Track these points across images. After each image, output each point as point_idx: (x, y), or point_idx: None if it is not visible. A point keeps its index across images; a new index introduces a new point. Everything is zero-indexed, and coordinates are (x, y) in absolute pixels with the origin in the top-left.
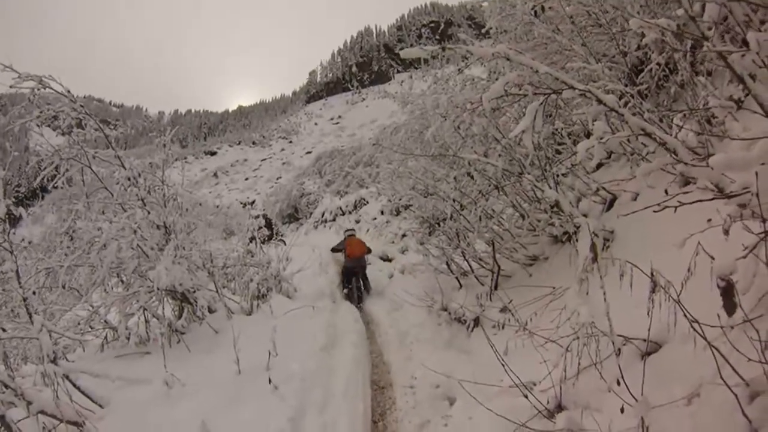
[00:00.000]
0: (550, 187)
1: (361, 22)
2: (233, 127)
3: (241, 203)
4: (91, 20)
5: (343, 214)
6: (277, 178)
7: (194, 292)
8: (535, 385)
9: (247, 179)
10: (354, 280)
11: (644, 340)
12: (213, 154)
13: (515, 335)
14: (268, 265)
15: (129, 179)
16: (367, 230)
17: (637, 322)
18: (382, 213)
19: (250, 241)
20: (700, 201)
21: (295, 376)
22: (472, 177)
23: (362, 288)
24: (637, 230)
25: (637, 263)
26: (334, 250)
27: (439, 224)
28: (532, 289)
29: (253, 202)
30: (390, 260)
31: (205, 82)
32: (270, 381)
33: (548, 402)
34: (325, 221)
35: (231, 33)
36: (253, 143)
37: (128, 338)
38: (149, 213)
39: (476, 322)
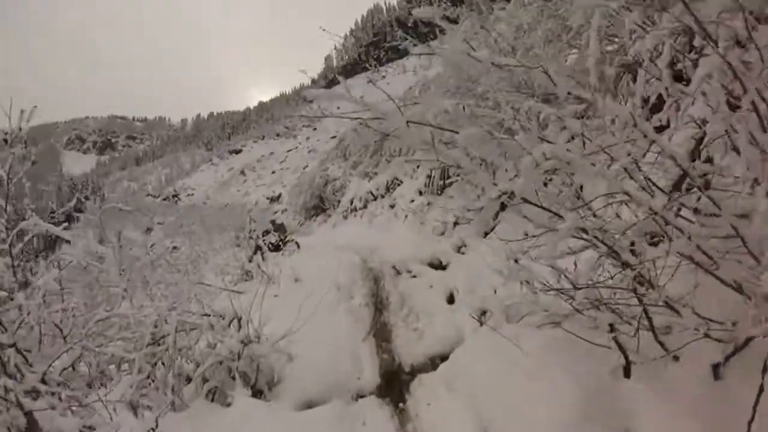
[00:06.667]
0: None
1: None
2: (256, 123)
3: (267, 198)
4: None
5: (375, 198)
6: (304, 168)
7: None
8: None
9: (273, 173)
10: None
11: None
12: (238, 152)
13: None
14: (225, 328)
15: None
16: (405, 217)
17: None
18: (420, 193)
19: (255, 253)
20: None
21: None
22: None
23: None
24: None
25: None
26: None
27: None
28: None
29: (279, 195)
30: (444, 267)
31: (223, 83)
32: None
33: None
34: (355, 209)
35: (241, 31)
36: (278, 135)
37: None
38: None
39: None
